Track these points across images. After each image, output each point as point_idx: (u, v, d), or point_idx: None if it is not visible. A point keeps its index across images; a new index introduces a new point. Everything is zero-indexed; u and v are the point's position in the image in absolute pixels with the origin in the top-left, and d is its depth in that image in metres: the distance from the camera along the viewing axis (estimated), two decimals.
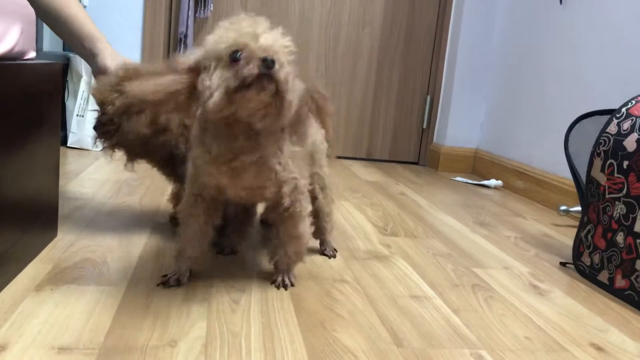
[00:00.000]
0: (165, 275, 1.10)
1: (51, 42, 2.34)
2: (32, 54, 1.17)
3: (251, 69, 0.86)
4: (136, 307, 1.00)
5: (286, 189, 1.06)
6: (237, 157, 0.98)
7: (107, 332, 0.89)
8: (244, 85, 0.86)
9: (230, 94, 0.87)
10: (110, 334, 0.89)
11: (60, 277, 1.08)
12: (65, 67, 2.35)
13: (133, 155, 1.30)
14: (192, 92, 0.93)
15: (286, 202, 1.07)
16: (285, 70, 0.89)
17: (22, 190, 1.07)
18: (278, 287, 1.13)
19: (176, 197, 1.46)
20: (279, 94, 0.88)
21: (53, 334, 0.87)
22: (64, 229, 1.35)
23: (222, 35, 0.91)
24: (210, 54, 0.91)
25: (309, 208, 1.13)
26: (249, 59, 0.87)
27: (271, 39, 0.90)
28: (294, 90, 0.92)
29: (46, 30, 2.19)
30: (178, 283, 1.09)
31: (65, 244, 1.26)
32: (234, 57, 0.88)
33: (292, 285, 1.14)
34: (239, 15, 0.93)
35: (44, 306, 0.96)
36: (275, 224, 1.13)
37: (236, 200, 1.12)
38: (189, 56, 0.95)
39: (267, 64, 0.86)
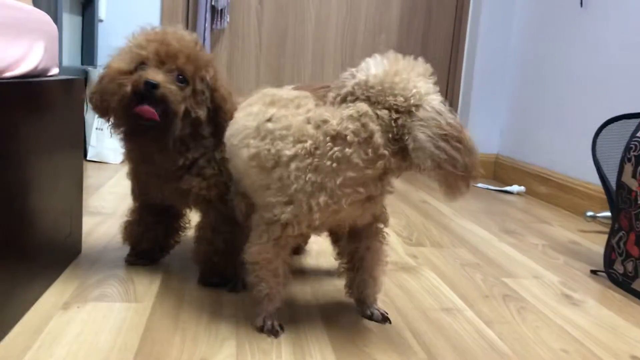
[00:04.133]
0: (262, 326, 0.97)
1: (69, 56, 2.35)
2: (55, 71, 1.17)
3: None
4: (164, 323, 0.98)
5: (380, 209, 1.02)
6: (382, 192, 0.93)
7: (136, 351, 0.88)
8: None
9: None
10: (140, 353, 0.88)
11: (87, 295, 1.07)
12: (84, 81, 2.36)
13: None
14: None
15: (381, 219, 1.03)
16: None
17: (47, 207, 1.07)
18: (384, 322, 1.05)
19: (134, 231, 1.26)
20: None
21: (83, 354, 0.86)
22: (88, 245, 1.34)
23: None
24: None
25: None
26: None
27: None
28: None
29: (65, 44, 2.20)
30: (282, 327, 0.98)
31: (90, 261, 1.25)
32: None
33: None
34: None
35: (71, 325, 0.95)
36: (359, 254, 1.04)
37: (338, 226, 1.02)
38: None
39: None
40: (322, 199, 0.87)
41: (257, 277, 0.97)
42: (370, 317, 1.06)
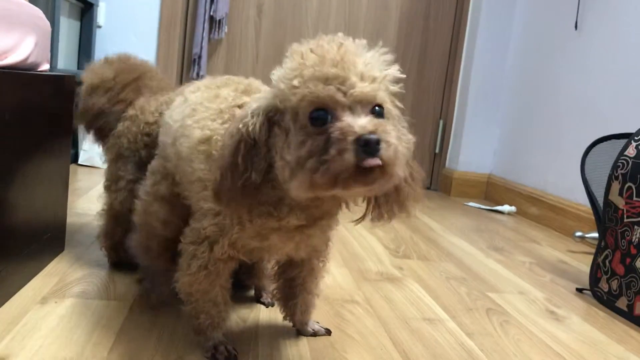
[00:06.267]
0: (214, 354, 0.86)
1: (66, 60, 2.35)
2: (45, 66, 1.17)
3: (345, 162, 0.62)
4: (142, 322, 0.97)
5: (330, 244, 0.93)
6: (315, 224, 0.78)
7: (111, 347, 0.87)
8: (335, 180, 0.63)
9: (316, 186, 0.64)
10: (114, 349, 0.86)
11: (66, 291, 1.06)
12: (78, 85, 2.36)
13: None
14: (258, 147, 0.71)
15: (324, 254, 0.94)
16: (393, 145, 0.64)
17: (29, 203, 1.06)
18: (329, 333, 1.00)
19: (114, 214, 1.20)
20: (385, 173, 0.64)
21: (56, 347, 0.85)
22: (72, 244, 1.33)
23: (296, 74, 0.66)
24: (284, 102, 0.68)
25: None
26: (340, 138, 0.62)
27: (369, 81, 0.66)
28: (403, 158, 0.68)
29: (62, 48, 2.21)
30: (235, 350, 0.88)
31: (72, 258, 1.24)
32: (315, 120, 0.65)
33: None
34: (321, 37, 0.71)
35: (47, 319, 0.94)
36: (301, 278, 0.94)
37: (275, 257, 0.94)
38: (258, 100, 0.72)
39: (369, 148, 0.62)
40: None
41: (195, 309, 0.87)
42: (314, 334, 1.00)
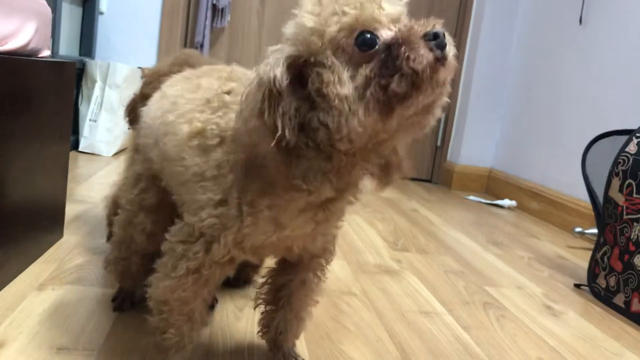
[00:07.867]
0: None
1: (67, 46, 2.35)
2: (46, 53, 1.16)
3: (424, 57, 0.55)
4: (139, 310, 0.97)
5: (331, 237, 0.80)
6: (341, 196, 0.67)
7: (107, 334, 0.87)
8: (414, 86, 0.56)
9: (386, 106, 0.57)
10: (111, 336, 0.87)
11: (63, 278, 1.07)
12: (80, 72, 2.36)
13: None
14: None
15: (327, 253, 0.81)
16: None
17: (28, 190, 1.06)
18: None
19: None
20: (445, 78, 0.59)
21: (52, 334, 0.85)
22: (70, 231, 1.33)
23: (324, 9, 0.59)
24: (310, 42, 0.59)
25: None
26: (407, 40, 0.56)
27: (396, 4, 0.61)
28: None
29: (63, 33, 2.20)
30: None
31: (70, 246, 1.24)
32: (363, 45, 0.58)
33: None
34: None
35: (44, 305, 0.94)
36: (289, 288, 0.81)
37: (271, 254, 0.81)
38: (273, 55, 0.61)
39: (440, 40, 0.56)
40: (256, 186, 0.64)
41: (165, 321, 0.73)
42: None
